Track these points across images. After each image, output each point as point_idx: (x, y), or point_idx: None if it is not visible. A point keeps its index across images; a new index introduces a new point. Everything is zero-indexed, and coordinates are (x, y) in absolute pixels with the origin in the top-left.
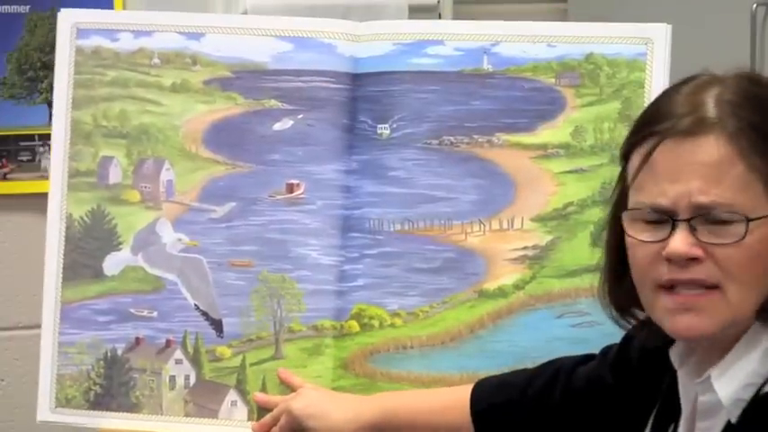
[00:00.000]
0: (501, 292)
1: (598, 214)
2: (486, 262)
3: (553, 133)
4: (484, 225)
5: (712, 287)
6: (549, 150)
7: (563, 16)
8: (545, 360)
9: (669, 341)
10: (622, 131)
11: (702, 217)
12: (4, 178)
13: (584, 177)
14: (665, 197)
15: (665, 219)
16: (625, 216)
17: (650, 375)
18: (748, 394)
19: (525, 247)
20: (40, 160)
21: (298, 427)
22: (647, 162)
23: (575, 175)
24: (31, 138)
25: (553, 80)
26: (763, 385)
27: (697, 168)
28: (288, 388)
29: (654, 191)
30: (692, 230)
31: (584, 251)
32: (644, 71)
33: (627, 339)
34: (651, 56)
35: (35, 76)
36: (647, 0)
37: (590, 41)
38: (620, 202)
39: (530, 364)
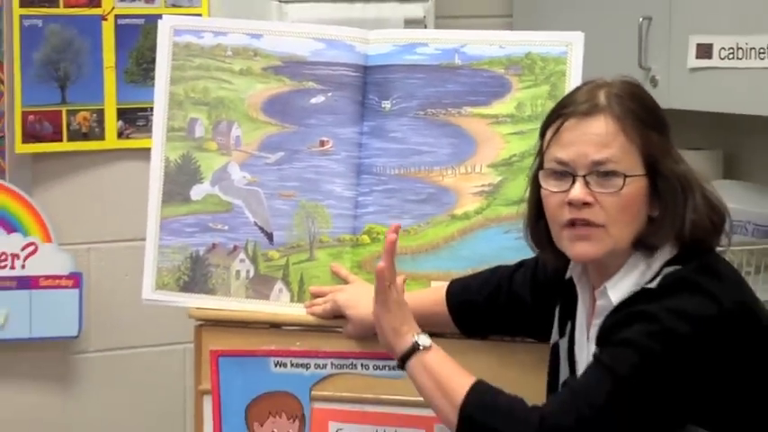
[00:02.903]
0: (466, 216)
1: (532, 162)
2: (457, 195)
3: (503, 107)
4: (455, 170)
5: (599, 226)
6: (500, 119)
7: (510, 26)
8: (497, 261)
9: (565, 265)
10: (549, 106)
11: (594, 174)
12: (127, 137)
13: (523, 137)
14: (568, 154)
15: (567, 175)
16: (541, 174)
17: (554, 290)
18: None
19: (483, 185)
20: (150, 125)
21: (339, 313)
22: (556, 134)
23: (517, 136)
24: (144, 110)
25: (503, 71)
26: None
27: (592, 137)
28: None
29: (560, 151)
30: (586, 183)
31: (523, 188)
32: (565, 64)
33: (536, 266)
34: (571, 54)
35: (148, 67)
36: (567, 16)
37: (528, 44)
38: (538, 167)
39: (485, 265)
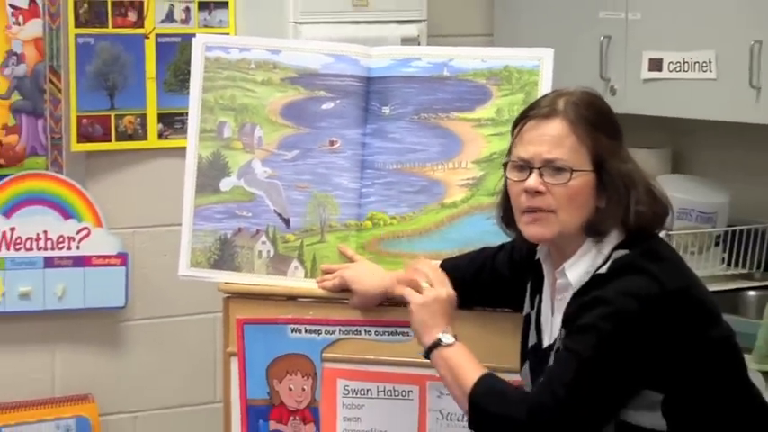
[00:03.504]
0: (454, 204)
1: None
2: (446, 187)
3: (485, 112)
4: (444, 165)
5: (550, 212)
6: (482, 122)
7: (491, 43)
8: (480, 243)
9: (535, 247)
10: None
11: (547, 167)
12: (166, 138)
13: (502, 138)
14: (527, 153)
15: (526, 167)
16: (507, 166)
17: (526, 268)
18: (586, 278)
19: (468, 178)
20: (186, 127)
21: (346, 287)
22: (520, 133)
23: (497, 137)
24: (180, 114)
25: (485, 81)
26: (594, 272)
27: (546, 138)
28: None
29: (521, 150)
30: (540, 175)
31: (501, 181)
32: (538, 76)
33: (513, 248)
34: (542, 67)
35: (183, 78)
36: (539, 34)
37: (506, 59)
38: (508, 161)
39: (470, 246)
